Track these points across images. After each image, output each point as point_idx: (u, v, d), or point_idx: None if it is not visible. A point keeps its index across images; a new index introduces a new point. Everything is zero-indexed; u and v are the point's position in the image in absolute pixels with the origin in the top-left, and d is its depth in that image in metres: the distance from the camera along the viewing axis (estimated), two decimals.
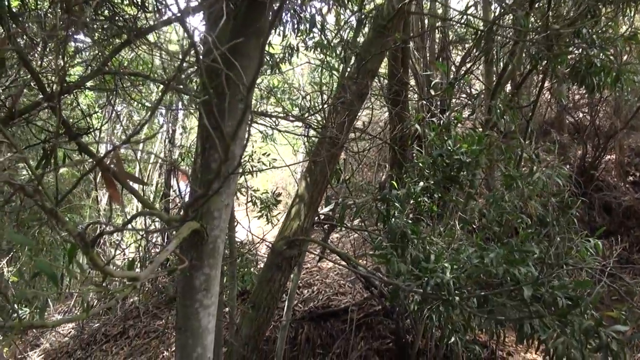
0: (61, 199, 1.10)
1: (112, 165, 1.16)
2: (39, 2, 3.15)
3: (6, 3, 2.27)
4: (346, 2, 5.41)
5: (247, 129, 2.63)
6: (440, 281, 3.15)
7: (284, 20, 4.69)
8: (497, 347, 5.12)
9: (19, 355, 7.93)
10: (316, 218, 4.85)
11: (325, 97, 4.26)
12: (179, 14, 3.08)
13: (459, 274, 3.22)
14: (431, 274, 3.22)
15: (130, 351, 6.72)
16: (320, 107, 3.83)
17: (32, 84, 2.91)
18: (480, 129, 4.67)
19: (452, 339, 4.21)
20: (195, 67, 3.09)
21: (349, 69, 4.37)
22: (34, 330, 8.43)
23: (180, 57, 2.58)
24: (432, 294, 3.17)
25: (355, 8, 5.74)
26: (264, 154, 7.65)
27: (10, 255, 6.01)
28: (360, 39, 5.20)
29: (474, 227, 4.53)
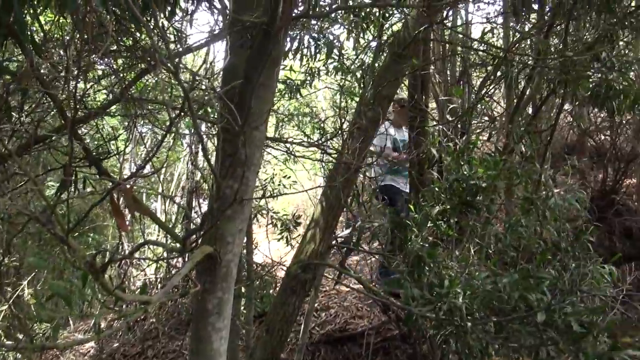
0: (73, 227, 1.16)
1: (121, 197, 1.23)
2: (61, 31, 3.26)
3: (28, 33, 2.36)
4: (365, 28, 5.48)
5: (261, 155, 2.70)
6: (452, 306, 3.15)
7: (303, 46, 4.77)
8: None
9: None
10: (333, 241, 4.87)
11: (344, 121, 4.30)
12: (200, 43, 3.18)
13: (471, 299, 3.22)
14: (444, 299, 3.23)
15: None
16: (336, 132, 3.88)
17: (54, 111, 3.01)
18: (499, 153, 4.69)
19: None
20: (211, 94, 3.18)
21: (366, 94, 4.42)
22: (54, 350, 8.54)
23: (196, 85, 2.66)
24: (445, 319, 3.17)
25: (375, 34, 5.81)
26: (284, 177, 7.73)
27: (32, 276, 6.12)
28: (379, 64, 5.26)
29: (491, 252, 4.51)
